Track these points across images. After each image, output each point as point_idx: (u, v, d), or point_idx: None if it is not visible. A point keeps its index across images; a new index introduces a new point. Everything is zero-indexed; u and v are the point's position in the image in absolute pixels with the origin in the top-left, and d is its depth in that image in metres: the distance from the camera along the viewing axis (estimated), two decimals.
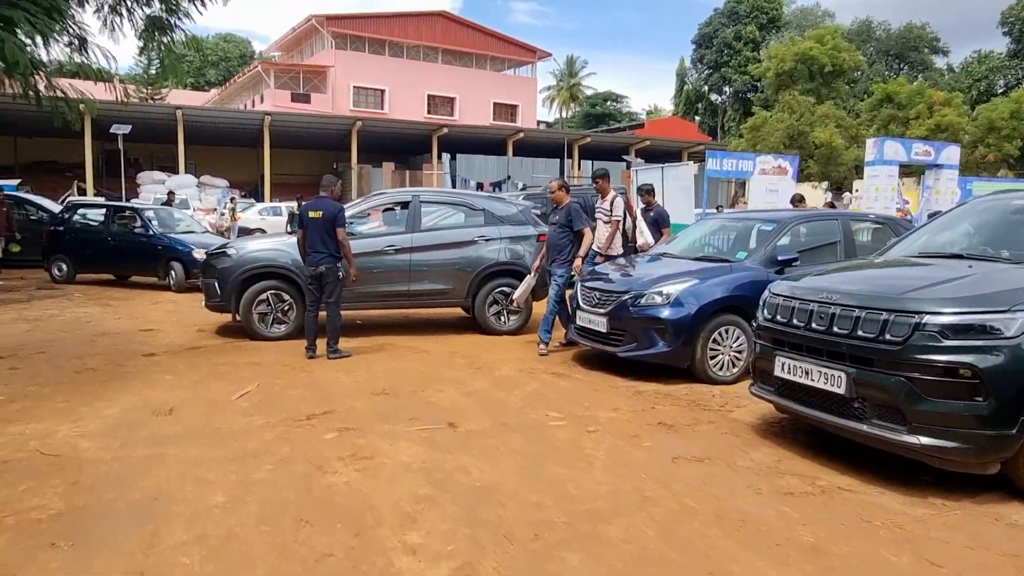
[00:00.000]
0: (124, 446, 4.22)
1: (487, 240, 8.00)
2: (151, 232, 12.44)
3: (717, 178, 24.10)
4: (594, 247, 7.61)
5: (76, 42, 8.90)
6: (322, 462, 4.02)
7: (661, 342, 5.91)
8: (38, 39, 8.30)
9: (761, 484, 3.80)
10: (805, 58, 36.39)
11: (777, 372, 4.29)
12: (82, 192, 27.27)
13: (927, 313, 3.61)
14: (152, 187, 27.90)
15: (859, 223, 7.19)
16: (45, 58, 9.07)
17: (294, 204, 19.57)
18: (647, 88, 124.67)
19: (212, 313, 8.25)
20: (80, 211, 13.81)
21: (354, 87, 44.27)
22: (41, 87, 8.94)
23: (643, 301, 6.01)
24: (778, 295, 4.48)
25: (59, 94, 9.35)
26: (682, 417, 5.03)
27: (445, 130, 35.87)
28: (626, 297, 6.11)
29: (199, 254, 11.88)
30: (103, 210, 13.55)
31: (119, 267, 13.18)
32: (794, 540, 3.16)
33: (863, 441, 3.92)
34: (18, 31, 7.69)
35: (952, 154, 18.12)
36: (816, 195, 29.70)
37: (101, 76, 9.24)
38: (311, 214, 6.78)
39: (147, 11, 8.93)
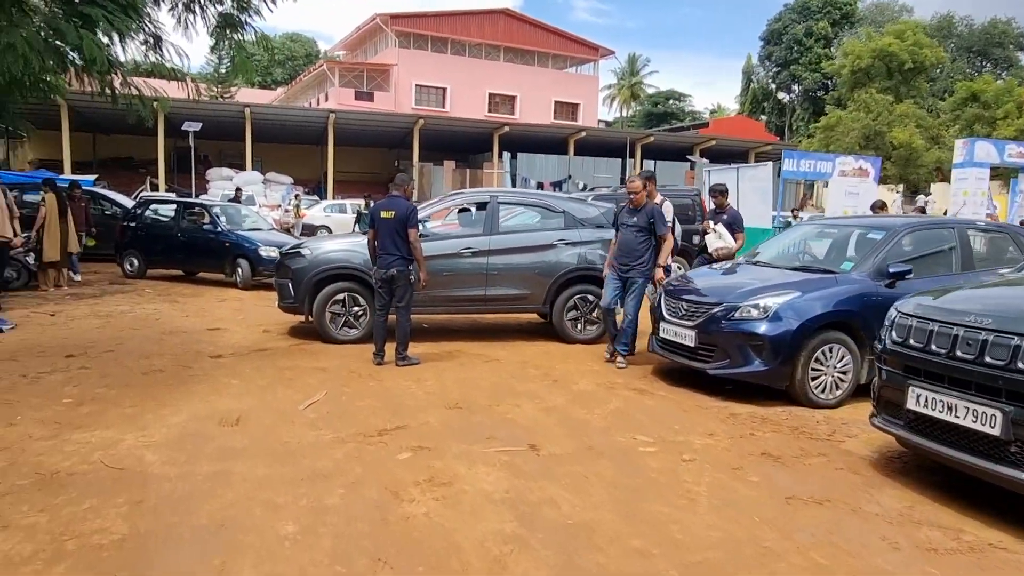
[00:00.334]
0: (189, 460, 3.99)
1: (567, 244, 7.60)
2: (219, 228, 12.48)
3: (791, 180, 23.04)
4: (611, 254, 7.11)
5: (151, 40, 8.93)
6: (398, 487, 3.70)
7: (757, 360, 5.40)
8: (115, 37, 8.37)
9: (897, 537, 3.30)
10: (883, 54, 34.80)
11: (910, 404, 3.77)
12: (154, 188, 28.02)
13: None
14: (220, 183, 28.48)
15: (975, 231, 6.51)
16: (122, 57, 9.21)
17: (362, 203, 19.46)
18: (709, 87, 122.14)
19: (277, 312, 8.10)
20: (151, 206, 13.99)
21: (416, 85, 44.47)
22: (117, 84, 9.05)
23: (738, 314, 5.51)
24: (909, 315, 3.94)
25: (134, 92, 9.46)
26: (787, 447, 4.53)
27: (506, 129, 35.61)
28: (718, 309, 5.63)
29: (265, 251, 11.89)
30: (173, 206, 13.69)
31: (187, 263, 13.28)
32: None
33: (1022, 492, 3.37)
34: (97, 30, 7.72)
35: None
36: (891, 198, 28.28)
37: (174, 75, 9.29)
38: (382, 214, 6.51)
39: (219, 8, 8.89)
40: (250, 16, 8.97)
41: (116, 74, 8.81)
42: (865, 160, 18.93)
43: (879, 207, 10.15)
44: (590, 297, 7.75)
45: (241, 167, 31.71)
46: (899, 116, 32.01)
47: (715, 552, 3.10)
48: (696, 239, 10.07)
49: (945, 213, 21.41)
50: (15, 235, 7.97)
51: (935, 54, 35.50)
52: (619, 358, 6.73)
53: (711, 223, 7.91)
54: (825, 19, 54.74)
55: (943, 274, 5.84)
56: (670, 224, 7.17)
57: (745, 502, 3.65)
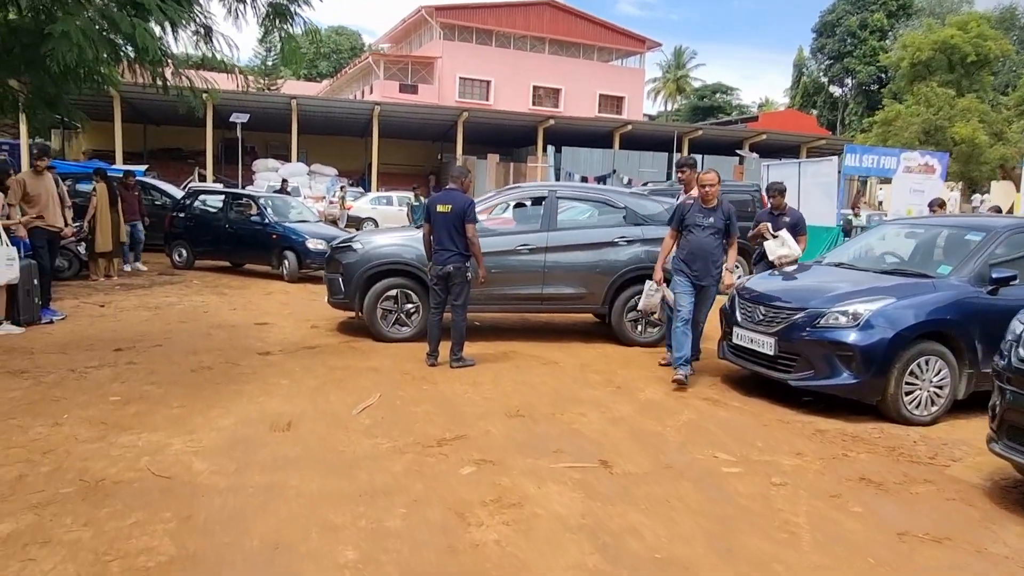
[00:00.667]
0: (240, 470, 3.73)
1: (628, 242, 7.20)
2: (266, 220, 12.35)
3: (852, 176, 22.12)
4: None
5: (202, 31, 8.82)
6: (463, 508, 3.38)
7: (846, 372, 4.95)
8: (167, 27, 8.28)
9: None
10: (945, 47, 33.34)
11: None
12: (202, 178, 28.32)
13: None
14: (266, 174, 28.65)
15: None
16: (174, 48, 9.18)
17: (411, 195, 19.22)
18: (755, 80, 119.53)
19: (325, 307, 7.88)
20: (200, 197, 13.97)
21: (460, 78, 44.22)
22: (168, 75, 9.00)
23: (824, 321, 5.06)
24: None
25: (185, 82, 9.41)
26: (888, 471, 4.09)
27: (551, 122, 35.14)
28: (801, 315, 5.18)
29: (313, 244, 11.72)
30: (221, 197, 13.64)
31: (235, 254, 13.19)
32: None
33: None
34: (150, 20, 7.60)
35: None
36: (949, 196, 27.10)
37: (224, 67, 9.21)
38: (439, 208, 6.20)
39: None
40: (300, 6, 8.81)
41: (168, 64, 8.76)
42: (931, 156, 18.04)
43: (938, 205, 9.47)
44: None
45: (286, 159, 31.91)
46: (961, 111, 30.62)
47: None
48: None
49: (1011, 211, 20.34)
50: (66, 224, 7.89)
51: (1000, 46, 33.92)
52: (678, 371, 5.86)
53: (769, 226, 7.23)
54: (881, 11, 52.92)
55: None
56: None
57: (853, 538, 3.25)
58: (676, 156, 37.64)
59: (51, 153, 8.18)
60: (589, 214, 7.98)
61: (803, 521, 3.38)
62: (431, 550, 2.98)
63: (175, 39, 8.93)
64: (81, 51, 6.89)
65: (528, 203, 7.92)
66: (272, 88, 43.75)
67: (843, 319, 5.01)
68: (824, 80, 59.63)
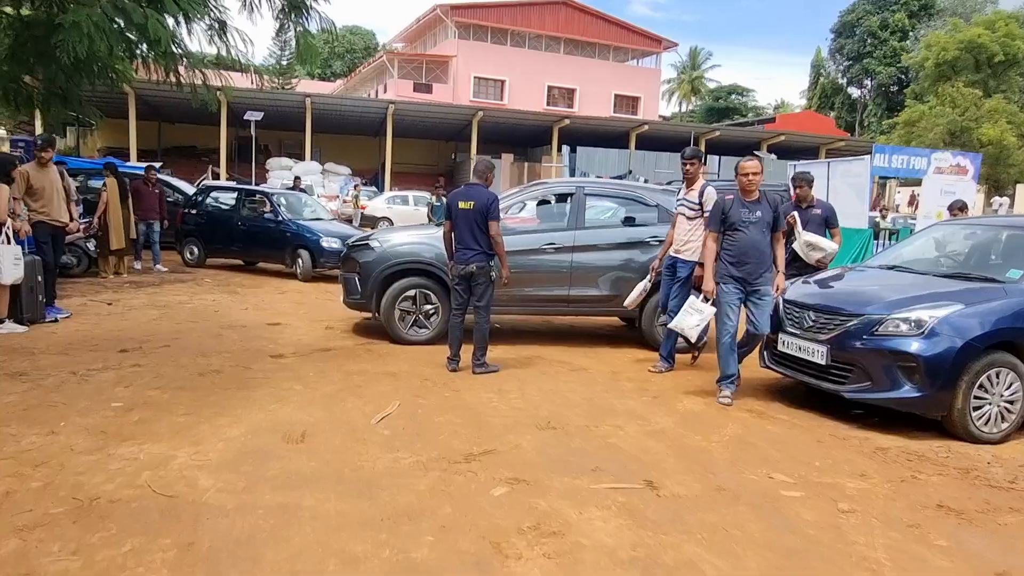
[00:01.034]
0: (249, 487, 3.38)
1: (660, 242, 6.79)
2: (280, 218, 12.05)
3: (881, 177, 21.56)
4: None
5: (216, 25, 8.58)
6: (498, 536, 3.01)
7: (907, 384, 4.53)
8: (181, 19, 8.00)
9: None
10: (972, 46, 32.68)
11: None
12: (216, 176, 28.14)
13: None
14: (280, 173, 28.42)
15: None
16: (187, 42, 8.98)
17: (432, 196, 18.79)
18: (769, 82, 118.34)
19: (339, 307, 7.55)
20: (212, 194, 13.69)
21: (475, 77, 43.90)
22: (181, 70, 8.79)
23: (883, 329, 4.65)
24: None
25: (199, 78, 9.19)
26: (966, 498, 3.68)
27: (567, 122, 34.75)
28: (857, 322, 4.77)
29: (327, 243, 11.42)
30: (234, 194, 13.34)
31: (248, 252, 12.90)
32: None
33: None
34: (164, 12, 7.32)
35: None
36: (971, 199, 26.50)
37: (238, 65, 9.00)
38: (461, 205, 5.83)
39: None
40: (316, 1, 8.53)
41: (181, 59, 8.54)
42: (963, 156, 17.48)
43: (959, 208, 8.88)
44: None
45: (300, 157, 31.71)
46: (988, 112, 29.98)
47: None
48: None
49: None
50: (71, 219, 7.59)
51: None
52: (723, 391, 5.37)
53: (797, 216, 6.62)
54: (902, 11, 52.14)
55: None
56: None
57: None
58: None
59: (55, 145, 7.87)
60: (618, 212, 7.59)
61: (883, 557, 2.98)
62: None
63: (189, 33, 8.72)
64: (92, 42, 6.62)
65: (553, 200, 7.53)
66: (286, 87, 43.57)
67: (904, 327, 4.59)
68: (843, 81, 58.86)
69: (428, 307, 6.83)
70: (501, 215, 6.01)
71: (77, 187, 12.46)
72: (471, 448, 4.07)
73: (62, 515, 3.02)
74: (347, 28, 64.55)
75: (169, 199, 14.89)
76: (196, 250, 12.82)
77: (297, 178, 19.76)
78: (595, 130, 36.33)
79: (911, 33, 51.32)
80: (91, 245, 10.79)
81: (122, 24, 7.91)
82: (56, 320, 7.20)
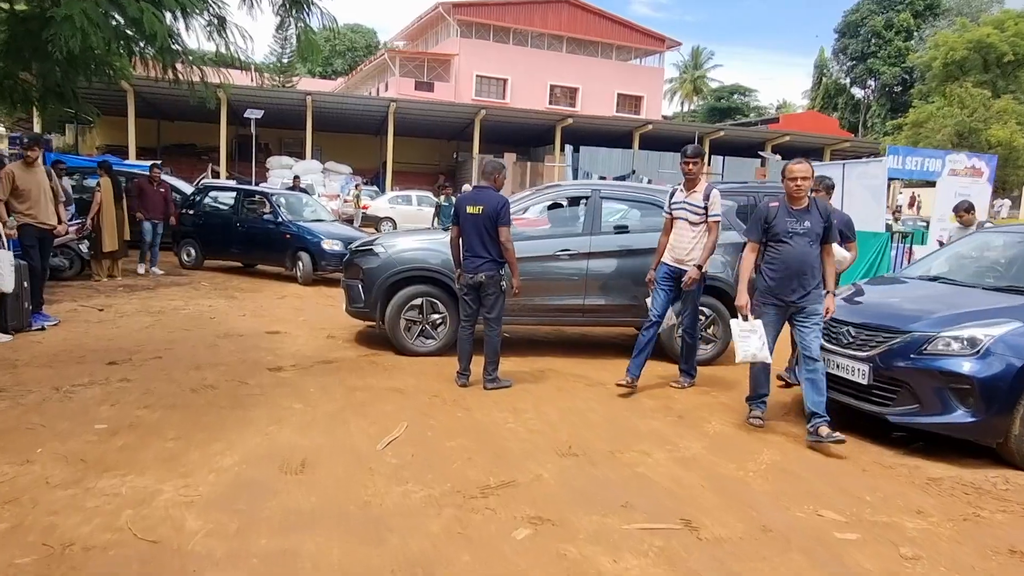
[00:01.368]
0: (242, 531, 3.01)
1: None
2: (280, 219, 11.68)
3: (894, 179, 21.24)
4: (669, 256, 5.65)
5: (215, 20, 8.27)
6: None
7: (960, 408, 4.17)
8: (178, 14, 7.70)
9: None
10: (981, 46, 32.29)
11: None
12: (215, 175, 27.80)
13: None
14: (280, 171, 28.08)
15: None
16: (185, 37, 8.73)
17: (441, 196, 18.33)
18: (771, 83, 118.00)
19: (341, 314, 7.18)
20: (210, 194, 13.31)
21: (477, 76, 43.53)
22: (179, 66, 8.52)
23: (932, 347, 4.29)
24: None
25: (196, 74, 8.92)
26: None
27: (570, 121, 34.39)
28: (903, 339, 4.40)
29: (329, 245, 11.06)
30: (233, 194, 12.97)
31: (246, 255, 12.52)
32: None
33: None
34: (161, 7, 7.01)
35: None
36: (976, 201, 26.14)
37: (238, 62, 8.71)
38: (469, 209, 5.45)
39: None
40: None
41: (179, 55, 8.26)
42: (979, 158, 17.11)
43: (964, 210, 8.38)
44: (707, 311, 6.59)
45: (301, 156, 31.35)
46: (997, 112, 29.60)
47: None
48: None
49: None
50: (60, 222, 7.22)
51: None
52: (753, 412, 4.93)
53: None
54: (907, 10, 51.72)
55: None
56: (720, 217, 5.65)
57: None
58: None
59: (43, 144, 7.52)
60: (635, 216, 7.23)
61: None
62: None
63: (187, 28, 8.42)
64: (85, 36, 6.27)
65: (565, 203, 7.17)
66: (287, 85, 43.21)
67: (956, 345, 4.23)
68: (846, 81, 58.48)
69: (435, 316, 6.47)
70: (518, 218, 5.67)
71: (73, 186, 12.16)
72: (488, 479, 3.71)
73: (29, 567, 2.66)
74: (348, 26, 64.17)
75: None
76: (193, 252, 12.46)
77: (296, 177, 19.38)
78: (598, 129, 35.97)
79: (916, 33, 50.92)
80: (84, 247, 10.42)
81: (118, 20, 7.64)
82: (43, 328, 6.84)
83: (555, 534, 3.14)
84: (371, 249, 6.63)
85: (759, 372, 4.89)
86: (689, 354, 5.88)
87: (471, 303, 5.57)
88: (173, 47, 8.37)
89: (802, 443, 4.58)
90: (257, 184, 22.39)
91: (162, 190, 11.56)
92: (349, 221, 21.09)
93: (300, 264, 11.29)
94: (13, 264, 6.34)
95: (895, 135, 34.66)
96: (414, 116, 33.28)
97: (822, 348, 4.88)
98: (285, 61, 44.55)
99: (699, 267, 5.49)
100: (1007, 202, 28.65)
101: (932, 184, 26.29)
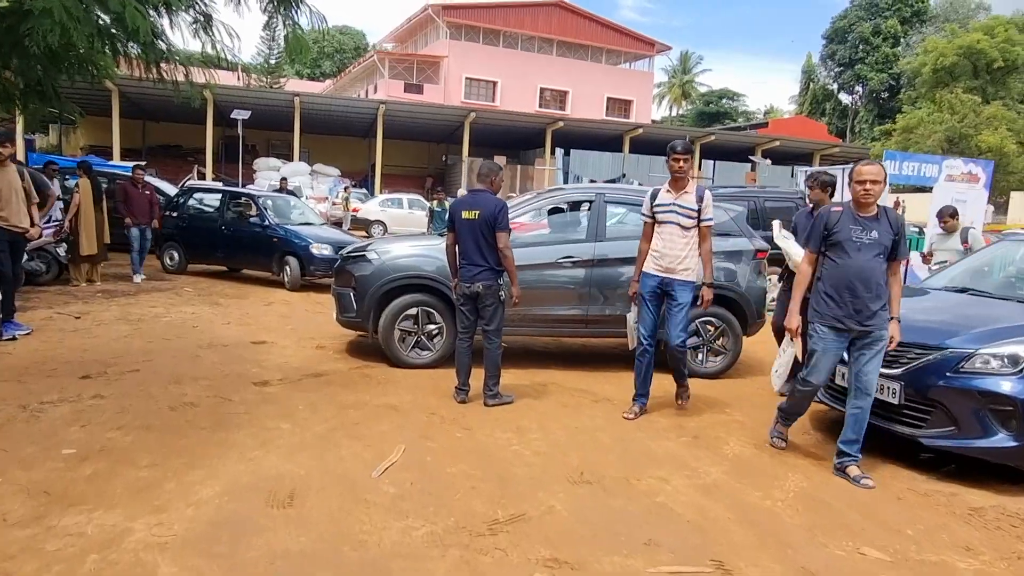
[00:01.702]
0: None
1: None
2: (267, 222, 11.29)
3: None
4: (653, 265, 5.02)
5: (201, 18, 7.94)
6: None
7: (1002, 432, 3.89)
8: (162, 10, 7.38)
9: None
10: (971, 52, 32.34)
11: None
12: (202, 176, 27.32)
13: None
14: (267, 173, 27.63)
15: None
16: (170, 35, 8.45)
17: (433, 201, 17.88)
18: (757, 88, 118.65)
19: (331, 322, 6.83)
20: (195, 196, 12.89)
21: (466, 78, 43.24)
22: (164, 64, 8.25)
23: (970, 365, 4.00)
24: None
25: (181, 73, 8.64)
26: None
27: (560, 124, 34.17)
28: (938, 356, 4.12)
29: (317, 249, 10.69)
30: (218, 196, 12.56)
31: (231, 259, 12.12)
32: None
33: None
34: (145, 2, 6.68)
35: None
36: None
37: (225, 63, 8.42)
38: (464, 214, 5.11)
39: None
40: None
41: (164, 53, 7.95)
42: (976, 164, 16.98)
43: (949, 215, 8.05)
44: (715, 322, 6.30)
45: (288, 158, 30.93)
46: (987, 118, 29.61)
47: None
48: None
49: None
50: (32, 224, 6.82)
51: None
52: (774, 433, 4.60)
53: (778, 224, 5.68)
54: (895, 16, 51.99)
55: None
56: (712, 221, 5.08)
57: None
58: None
59: (15, 140, 7.12)
60: (640, 222, 6.91)
61: None
62: None
63: (171, 24, 8.09)
64: (65, 31, 5.94)
65: (567, 208, 6.85)
66: (275, 86, 42.71)
67: (996, 363, 3.95)
68: (834, 87, 58.70)
69: (431, 327, 6.13)
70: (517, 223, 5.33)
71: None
72: (495, 512, 3.37)
73: None
74: (337, 28, 63.72)
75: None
76: (176, 256, 12.05)
77: (283, 179, 18.96)
78: (588, 133, 35.76)
79: (903, 39, 51.15)
80: (61, 250, 10.00)
81: (100, 15, 7.30)
82: (14, 338, 6.43)
83: None
84: (364, 255, 6.28)
85: (804, 401, 4.35)
86: (682, 371, 5.29)
87: (468, 314, 5.24)
88: (157, 44, 8.08)
89: (827, 466, 4.28)
90: (244, 186, 21.96)
91: (147, 192, 11.06)
92: (338, 224, 20.74)
93: (288, 269, 10.91)
94: None
95: (883, 140, 34.66)
96: (403, 118, 32.93)
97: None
98: (273, 62, 44.13)
99: (710, 285, 5.03)
100: (990, 207, 28.65)
101: (920, 189, 26.32)
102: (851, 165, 13.55)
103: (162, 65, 8.33)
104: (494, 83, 44.02)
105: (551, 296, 6.19)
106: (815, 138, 44.82)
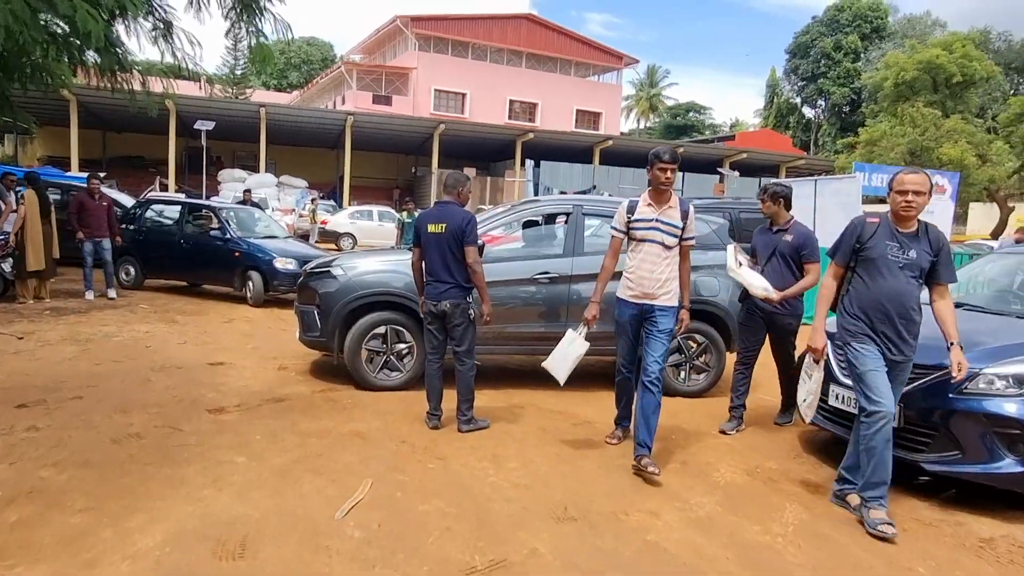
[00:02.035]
0: None
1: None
2: (228, 235, 10.83)
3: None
4: (628, 291, 4.44)
5: (161, 25, 7.59)
6: None
7: (1009, 457, 3.67)
8: (117, 13, 7.01)
9: None
10: (930, 67, 32.99)
11: None
12: (164, 188, 26.61)
13: None
14: (232, 185, 27.01)
15: None
16: (126, 39, 8.12)
17: (403, 212, 17.46)
18: (722, 101, 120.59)
19: (295, 340, 6.42)
20: (153, 208, 12.36)
21: (435, 90, 42.99)
22: (120, 74, 7.92)
23: (974, 385, 3.79)
24: None
25: (138, 81, 8.31)
26: None
27: (531, 135, 34.07)
28: (939, 375, 3.88)
29: (282, 264, 10.27)
30: (177, 208, 12.04)
31: (191, 273, 11.62)
32: None
33: None
34: (99, 7, 6.30)
35: None
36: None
37: (186, 72, 8.09)
38: (430, 228, 4.78)
39: None
40: (270, 0, 7.59)
41: (118, 58, 7.60)
42: (941, 175, 17.23)
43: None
44: (699, 338, 6.06)
45: (254, 169, 30.32)
46: (947, 131, 30.19)
47: None
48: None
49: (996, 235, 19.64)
50: None
51: (986, 68, 33.68)
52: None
53: (733, 248, 5.09)
54: (855, 32, 53.15)
55: None
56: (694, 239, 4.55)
57: None
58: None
59: None
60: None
61: None
62: None
63: (127, 30, 7.74)
64: (10, 33, 5.55)
65: (541, 220, 6.56)
66: (241, 97, 41.97)
67: (1001, 383, 3.74)
68: (797, 101, 59.71)
69: (401, 346, 5.79)
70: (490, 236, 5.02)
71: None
72: (473, 557, 3.04)
73: None
74: (304, 39, 63.03)
75: None
76: (132, 270, 11.50)
77: (247, 191, 18.37)
78: (559, 144, 35.73)
79: (863, 55, 52.24)
80: (7, 266, 9.45)
81: (51, 20, 6.92)
82: None
83: None
84: (328, 271, 5.91)
85: (882, 447, 3.56)
86: (655, 414, 4.30)
87: (437, 333, 4.90)
88: (113, 50, 7.69)
89: (825, 493, 4.03)
90: (208, 198, 21.37)
91: (104, 203, 10.44)
92: (305, 237, 20.25)
93: (250, 284, 10.45)
94: None
95: (847, 153, 35.18)
96: (372, 130, 32.55)
97: (837, 382, 4.38)
98: (239, 72, 43.39)
99: (689, 308, 4.54)
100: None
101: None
102: (818, 177, 13.57)
103: (118, 73, 7.98)
104: (463, 95, 43.84)
105: (527, 313, 5.90)
106: (781, 150, 45.48)
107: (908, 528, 3.63)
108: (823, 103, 57.29)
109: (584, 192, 31.99)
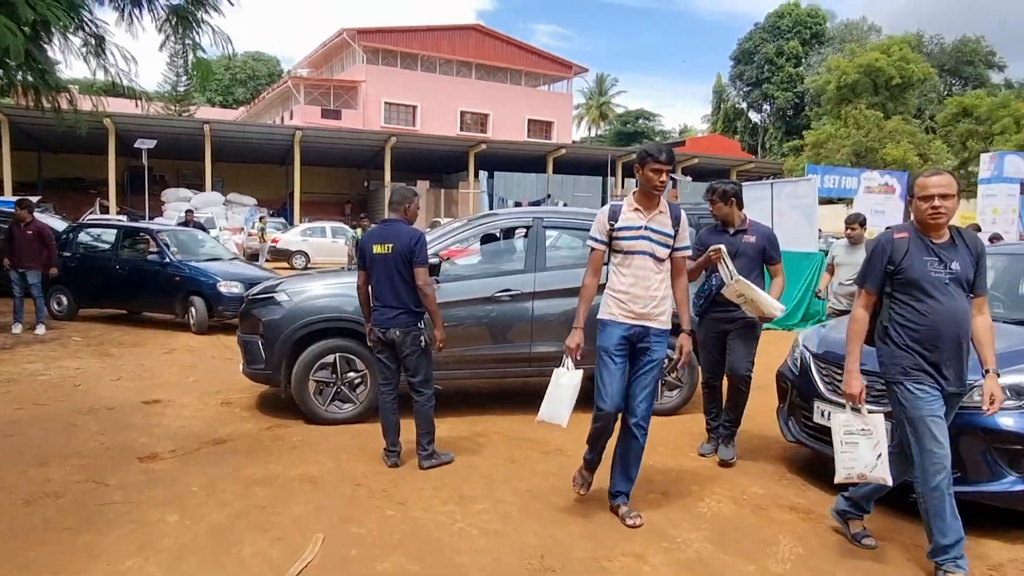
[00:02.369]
0: None
1: None
2: (167, 260, 10.21)
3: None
4: (619, 311, 3.76)
5: (93, 40, 7.06)
6: None
7: (1011, 474, 3.44)
8: (39, 27, 6.48)
9: None
10: (870, 70, 33.88)
11: None
12: (104, 210, 25.51)
13: None
14: (177, 204, 26.04)
15: None
16: (51, 54, 7.62)
17: (358, 229, 16.86)
18: (670, 108, 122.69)
19: (240, 373, 5.92)
20: (86, 232, 11.64)
21: (385, 103, 42.49)
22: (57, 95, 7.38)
23: (970, 398, 3.54)
24: None
25: (65, 99, 7.75)
26: None
27: (483, 147, 33.84)
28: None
29: (226, 287, 9.71)
30: (113, 232, 11.35)
31: (129, 301, 10.91)
32: None
33: None
34: (16, 20, 5.77)
35: None
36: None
37: (120, 88, 7.59)
38: (375, 249, 4.40)
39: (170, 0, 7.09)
40: (207, 11, 7.13)
41: (42, 75, 7.05)
42: (891, 175, 17.49)
43: (860, 223, 7.28)
44: (670, 352, 5.76)
45: (200, 188, 29.33)
46: (889, 132, 30.99)
47: None
48: None
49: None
50: None
51: (922, 70, 34.74)
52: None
53: (724, 250, 4.45)
54: (796, 38, 54.51)
55: None
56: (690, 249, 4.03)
57: None
58: (611, 180, 36.84)
59: None
60: (583, 248, 6.36)
61: None
62: None
63: (49, 42, 7.21)
64: None
65: (500, 235, 6.20)
66: (185, 114, 40.79)
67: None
68: (743, 106, 60.89)
69: (353, 375, 5.36)
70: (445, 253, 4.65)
71: None
72: None
73: None
74: (249, 54, 61.81)
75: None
76: (64, 300, 10.75)
77: (189, 211, 17.64)
78: (512, 154, 35.59)
79: (804, 60, 53.55)
80: None
81: None
82: None
83: None
84: (272, 297, 5.45)
85: (940, 504, 3.11)
86: (636, 461, 3.90)
87: (388, 363, 4.50)
88: (37, 66, 7.14)
89: (818, 521, 3.76)
90: (151, 219, 20.51)
91: (30, 231, 9.64)
92: (254, 256, 19.56)
93: (193, 310, 9.85)
94: None
95: (793, 156, 35.87)
96: (321, 144, 31.90)
97: (822, 398, 4.13)
98: (181, 89, 42.22)
99: (691, 332, 4.00)
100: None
101: (831, 201, 27.12)
102: (774, 180, 13.55)
103: (45, 92, 7.45)
104: (414, 107, 43.43)
105: (489, 334, 5.53)
106: (730, 155, 46.17)
107: (913, 557, 3.36)
108: (768, 107, 58.55)
109: (539, 202, 31.92)
